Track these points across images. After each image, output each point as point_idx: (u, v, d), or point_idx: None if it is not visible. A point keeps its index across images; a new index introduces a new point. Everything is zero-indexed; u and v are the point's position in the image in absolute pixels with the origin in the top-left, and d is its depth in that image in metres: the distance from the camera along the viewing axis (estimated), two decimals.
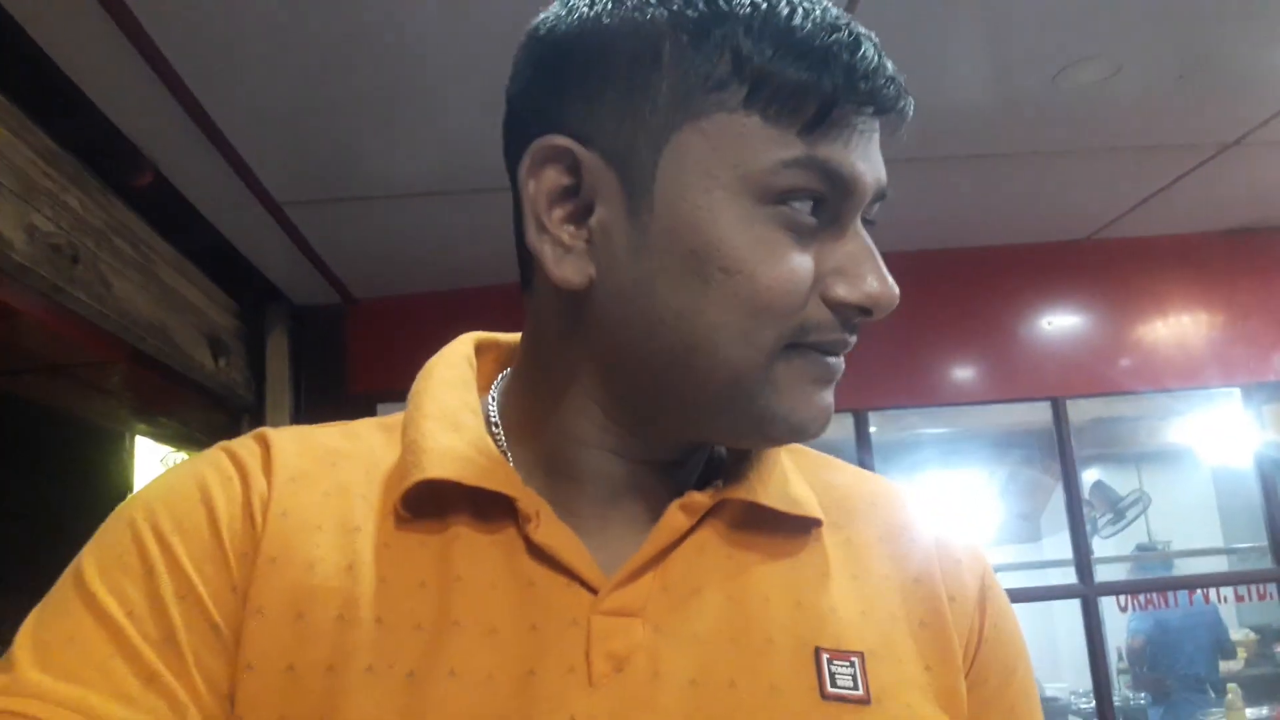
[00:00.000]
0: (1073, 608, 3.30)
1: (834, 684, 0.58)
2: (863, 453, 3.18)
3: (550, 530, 0.58)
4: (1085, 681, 3.48)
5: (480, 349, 0.71)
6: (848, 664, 0.59)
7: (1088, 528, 3.55)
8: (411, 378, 0.69)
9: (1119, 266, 3.37)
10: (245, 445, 0.63)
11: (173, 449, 4.09)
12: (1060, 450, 3.28)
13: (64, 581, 0.58)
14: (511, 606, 0.57)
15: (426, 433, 0.62)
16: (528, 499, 0.59)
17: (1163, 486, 5.05)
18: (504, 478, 0.60)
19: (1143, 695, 4.61)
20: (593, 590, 0.58)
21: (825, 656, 0.58)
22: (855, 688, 0.58)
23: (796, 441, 0.60)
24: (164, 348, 2.69)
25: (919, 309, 3.34)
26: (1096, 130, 2.55)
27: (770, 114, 0.55)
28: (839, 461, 0.73)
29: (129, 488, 4.43)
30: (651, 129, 0.56)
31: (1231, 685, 3.99)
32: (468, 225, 2.76)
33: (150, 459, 4.42)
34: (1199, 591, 3.77)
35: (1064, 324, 3.41)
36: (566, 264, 0.58)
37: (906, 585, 0.64)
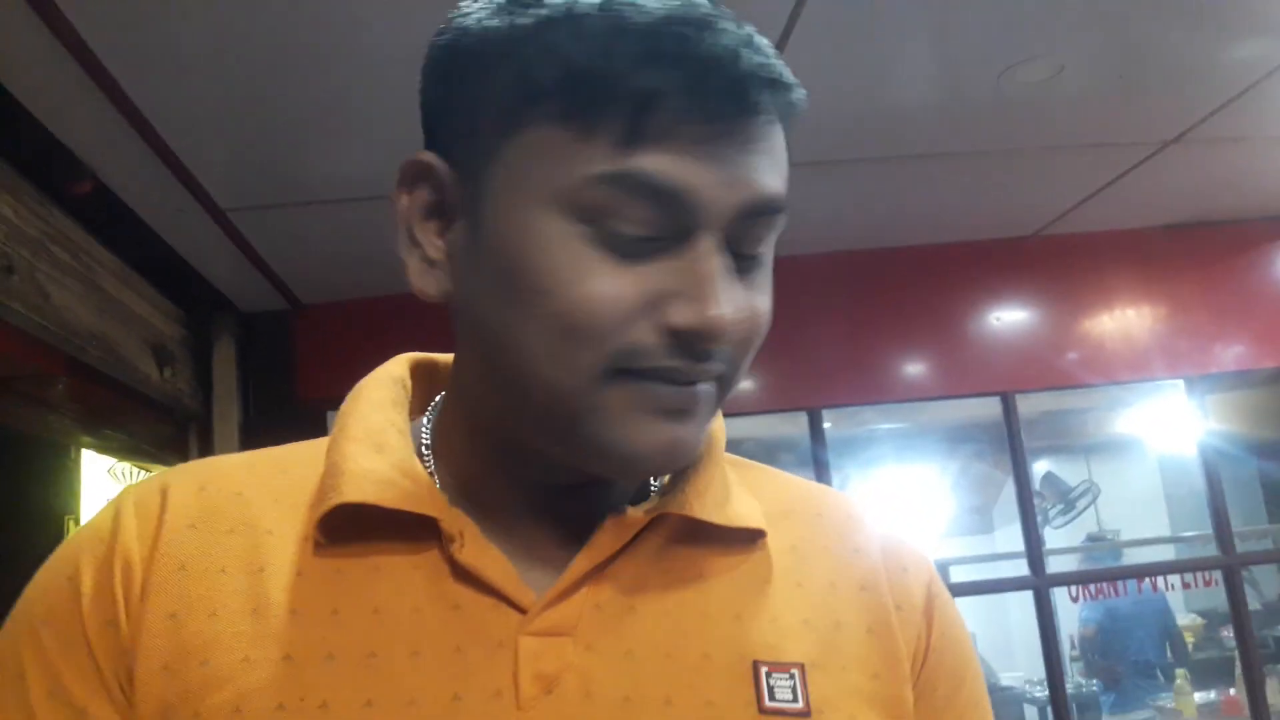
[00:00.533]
0: (1026, 598, 3.34)
1: (772, 697, 0.57)
2: (817, 449, 3.20)
3: (475, 551, 0.57)
4: (1039, 670, 3.53)
5: (417, 370, 0.70)
6: (787, 676, 0.58)
7: (1039, 518, 3.60)
8: None
9: (1064, 262, 3.41)
10: (142, 497, 0.61)
11: (119, 460, 4.02)
12: (1010, 444, 3.32)
13: None
14: (435, 630, 0.56)
15: (348, 455, 0.60)
16: (451, 520, 0.58)
17: (1111, 476, 5.14)
18: (427, 499, 0.58)
19: (1094, 682, 4.69)
20: (521, 610, 0.57)
21: (764, 670, 0.58)
22: (795, 700, 0.57)
23: (634, 476, 0.56)
24: (107, 359, 2.63)
25: (870, 307, 3.37)
26: (1040, 129, 2.58)
27: (583, 125, 0.51)
28: (786, 474, 0.72)
29: (75, 501, 4.35)
30: (485, 143, 0.55)
31: (1180, 670, 4.07)
32: None
33: (97, 472, 4.33)
34: (1147, 580, 3.83)
35: (1012, 319, 3.45)
36: (429, 277, 0.58)
37: (852, 593, 0.63)
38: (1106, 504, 5.04)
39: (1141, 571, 3.81)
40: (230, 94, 2.05)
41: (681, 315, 0.51)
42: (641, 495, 0.63)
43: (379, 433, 0.62)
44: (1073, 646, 4.92)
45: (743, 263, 0.54)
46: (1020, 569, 3.31)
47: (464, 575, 0.57)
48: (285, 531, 0.59)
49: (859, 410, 3.53)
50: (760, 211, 0.53)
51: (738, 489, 0.65)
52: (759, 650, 0.59)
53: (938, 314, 3.40)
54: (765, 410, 3.24)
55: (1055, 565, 3.48)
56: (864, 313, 3.36)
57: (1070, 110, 2.47)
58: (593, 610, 0.57)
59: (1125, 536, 4.93)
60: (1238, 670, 3.49)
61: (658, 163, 0.50)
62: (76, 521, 4.51)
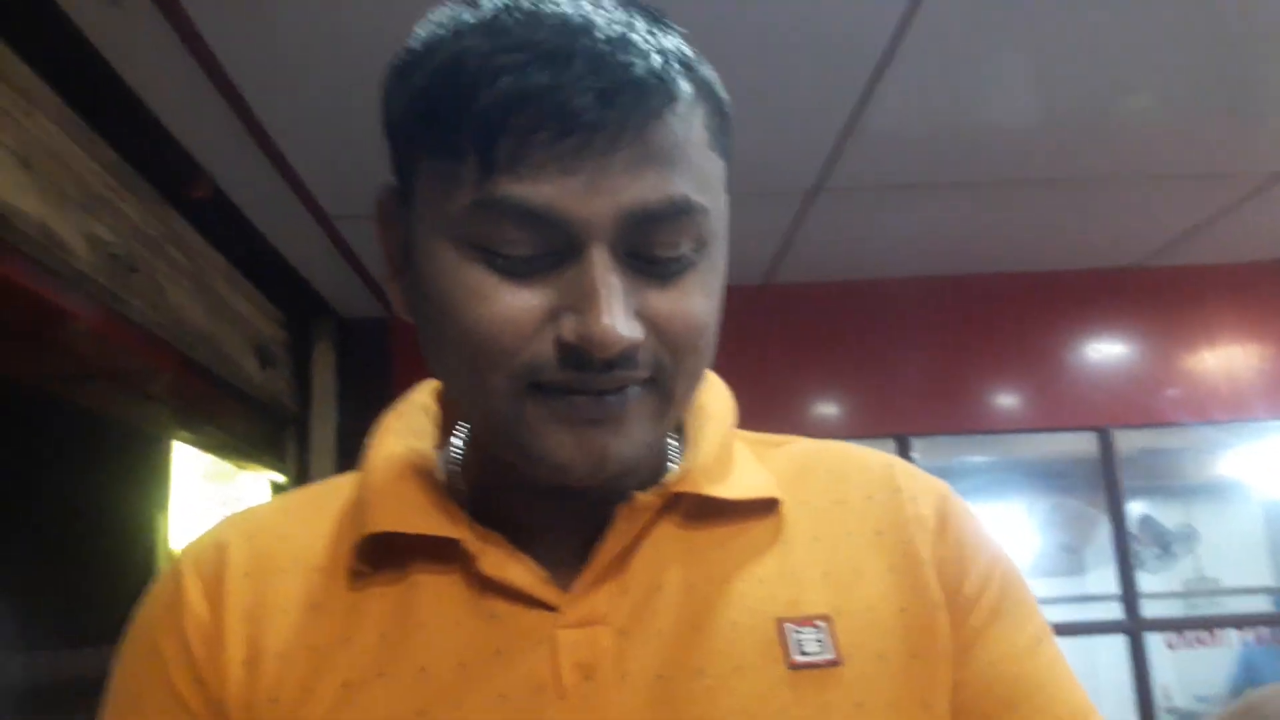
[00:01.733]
0: (1114, 646, 3.24)
1: (801, 651, 0.58)
2: None
3: (497, 562, 0.60)
4: None
5: (443, 394, 0.74)
6: (813, 629, 0.59)
7: (1133, 562, 3.49)
8: None
9: (1167, 295, 3.33)
10: (199, 556, 0.66)
11: (216, 457, 4.15)
12: (1107, 482, 3.24)
13: None
14: (476, 639, 0.59)
15: (372, 487, 0.64)
16: (472, 537, 0.60)
17: (1211, 521, 4.95)
18: (447, 520, 0.61)
19: None
20: (552, 609, 0.59)
21: (788, 626, 0.59)
22: (823, 651, 0.59)
23: (575, 484, 0.57)
24: (213, 356, 2.74)
25: (963, 334, 3.32)
26: (1145, 157, 2.53)
27: (451, 157, 0.53)
28: (795, 438, 0.73)
29: (166, 493, 4.50)
30: (404, 177, 0.59)
31: None
32: None
33: (187, 470, 4.48)
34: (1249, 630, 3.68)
35: (1111, 353, 3.37)
36: (403, 305, 0.62)
37: (869, 539, 0.64)
38: (1206, 550, 4.86)
39: (1243, 621, 3.67)
40: (344, 102, 2.12)
41: (569, 329, 0.53)
42: (655, 481, 0.65)
43: (400, 461, 0.66)
44: (1167, 698, 4.74)
45: (659, 267, 0.55)
46: (1112, 612, 3.22)
47: (493, 587, 0.60)
48: (328, 566, 0.63)
49: (948, 440, 3.48)
50: (649, 217, 0.53)
51: (749, 462, 0.67)
52: (782, 608, 0.60)
53: (1034, 344, 3.34)
54: (851, 436, 3.21)
55: (1149, 611, 3.37)
56: (957, 340, 3.32)
57: (1177, 139, 2.42)
58: (620, 596, 0.60)
59: (1225, 585, 4.74)
60: None
61: (516, 187, 0.51)
62: (167, 518, 4.67)
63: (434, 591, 0.61)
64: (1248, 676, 4.14)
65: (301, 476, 3.42)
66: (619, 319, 0.52)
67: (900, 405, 3.22)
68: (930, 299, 3.31)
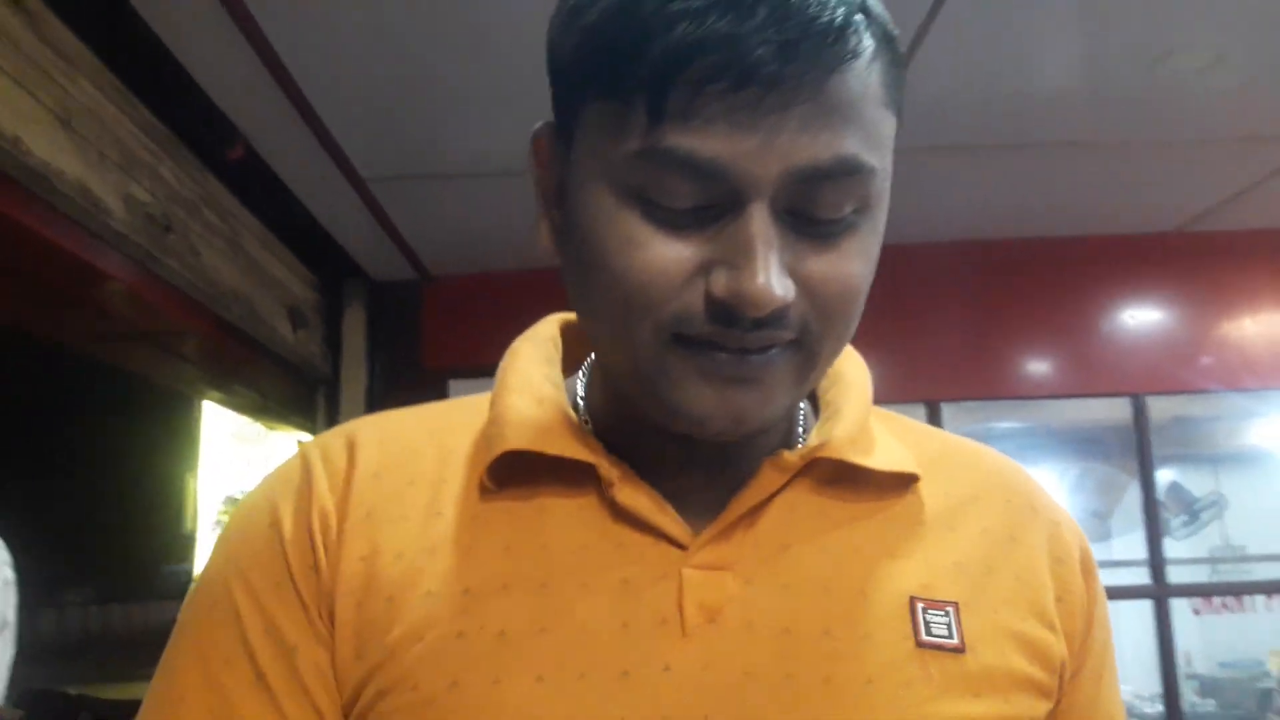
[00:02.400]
0: (1140, 612, 3.24)
1: (929, 632, 0.58)
2: None
3: (632, 492, 0.60)
4: (1150, 685, 3.42)
5: (567, 331, 0.73)
6: (942, 613, 0.59)
7: (1161, 529, 3.48)
8: (485, 355, 0.71)
9: (1206, 261, 3.29)
10: (329, 450, 0.65)
11: (247, 416, 4.18)
12: (1139, 448, 3.23)
13: (173, 640, 0.63)
14: (602, 564, 0.59)
15: (510, 406, 0.64)
16: (607, 465, 0.60)
17: (1240, 490, 4.93)
18: (584, 446, 0.61)
19: (1210, 701, 4.51)
20: (681, 546, 0.59)
21: (920, 605, 0.59)
22: (950, 636, 0.59)
23: (708, 437, 0.56)
24: (246, 317, 2.74)
25: (997, 299, 3.30)
26: (1192, 121, 2.49)
27: (621, 101, 0.52)
28: (929, 427, 0.73)
29: (196, 453, 4.53)
30: (568, 118, 0.57)
31: None
32: None
33: (217, 426, 4.50)
34: (1276, 597, 3.67)
35: (1148, 319, 3.34)
36: (553, 245, 0.61)
37: (1003, 542, 0.64)
38: (1233, 518, 4.84)
39: (1270, 588, 3.66)
40: (379, 66, 2.11)
41: (720, 284, 0.52)
42: (791, 441, 0.65)
43: (537, 386, 0.65)
44: (1188, 663, 4.75)
45: (820, 227, 0.53)
46: (1137, 578, 3.21)
47: (623, 515, 0.60)
48: (457, 479, 0.63)
49: (979, 406, 3.46)
50: (817, 176, 0.51)
51: (887, 437, 0.66)
52: (914, 587, 0.60)
53: (1069, 309, 3.31)
54: (882, 401, 3.20)
55: (1175, 577, 3.37)
56: (991, 304, 3.29)
57: (1224, 103, 2.38)
58: (750, 547, 0.60)
59: (1252, 552, 4.72)
60: None
61: (685, 137, 0.50)
62: (196, 478, 4.71)
63: (563, 514, 0.61)
64: None
65: None
66: (774, 278, 0.51)
67: (932, 370, 3.20)
68: (964, 263, 3.29)
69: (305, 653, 0.59)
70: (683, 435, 0.58)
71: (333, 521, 0.61)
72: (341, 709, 0.59)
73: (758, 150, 0.50)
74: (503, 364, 0.69)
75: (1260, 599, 3.73)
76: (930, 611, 0.59)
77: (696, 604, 0.57)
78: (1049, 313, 3.30)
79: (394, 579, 0.59)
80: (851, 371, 0.69)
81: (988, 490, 0.67)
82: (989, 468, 0.69)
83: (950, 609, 0.60)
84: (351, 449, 0.65)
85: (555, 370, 0.68)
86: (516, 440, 0.61)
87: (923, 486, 0.65)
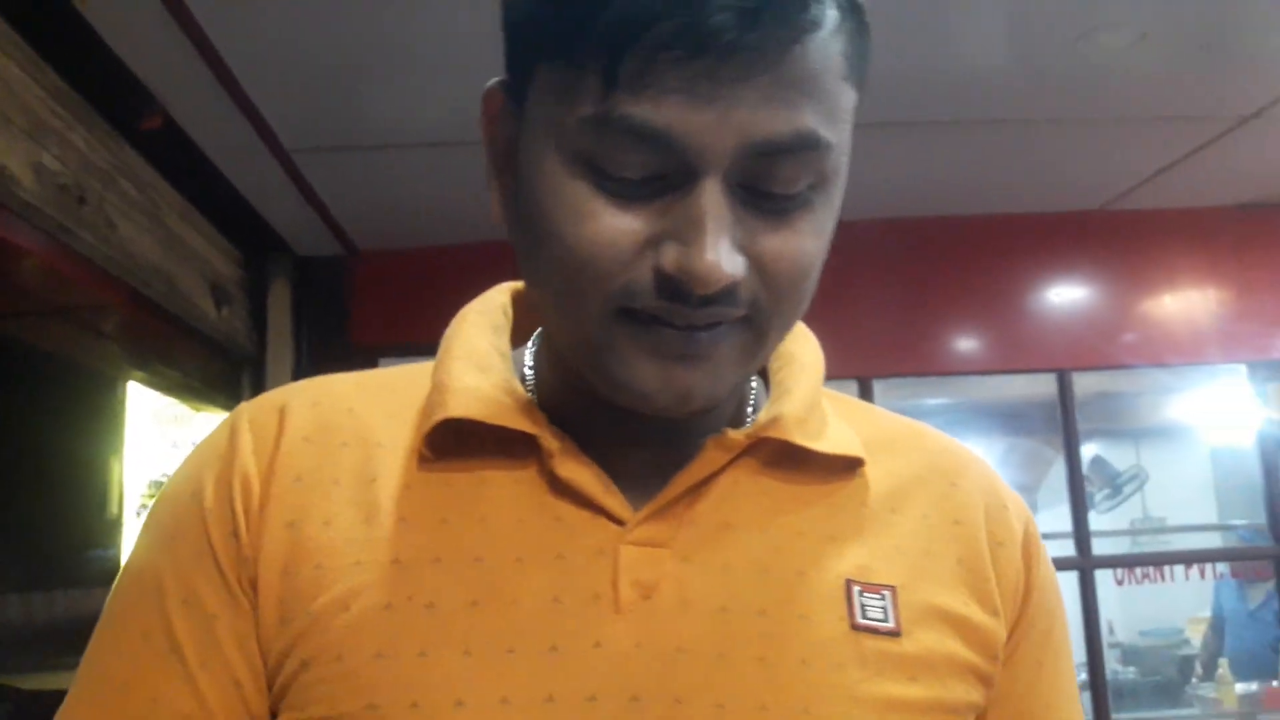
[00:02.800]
0: (1066, 581, 3.31)
1: (864, 615, 0.58)
2: None
3: (573, 466, 0.59)
4: (1075, 655, 3.49)
5: (518, 300, 0.72)
6: (879, 596, 0.59)
7: (1085, 502, 3.56)
8: (416, 331, 0.69)
9: (1130, 239, 3.35)
10: (258, 414, 0.64)
11: (170, 396, 4.08)
12: (1064, 423, 3.29)
13: (101, 618, 0.63)
14: (538, 538, 0.58)
15: (453, 373, 0.62)
16: (549, 437, 0.59)
17: (1161, 463, 5.07)
18: (527, 417, 0.60)
19: (1131, 669, 4.65)
20: (619, 522, 0.58)
21: (856, 588, 0.59)
22: (885, 619, 0.59)
23: (655, 413, 0.55)
24: (167, 293, 2.67)
25: (926, 277, 3.33)
26: (1115, 99, 2.52)
27: (574, 66, 0.50)
28: (882, 409, 0.73)
29: (120, 434, 4.42)
30: (519, 79, 0.56)
31: (1222, 659, 4.02)
32: (477, 178, 2.73)
33: (141, 407, 4.40)
34: (1195, 567, 3.79)
35: (1073, 296, 3.40)
36: (501, 209, 0.60)
37: (946, 526, 0.64)
38: (1154, 491, 4.98)
39: (1190, 558, 3.77)
40: (303, 33, 2.05)
41: (669, 259, 0.51)
42: (740, 419, 0.64)
43: (482, 355, 0.64)
44: (1110, 633, 4.88)
45: (774, 202, 0.52)
46: (1063, 550, 3.28)
47: (563, 489, 0.59)
48: (395, 445, 0.62)
49: (908, 383, 3.50)
50: (773, 150, 0.50)
51: (836, 420, 0.66)
52: (852, 570, 0.60)
53: (996, 287, 3.36)
54: None
55: (1098, 549, 3.45)
56: (920, 282, 3.33)
57: (1148, 80, 2.42)
58: (690, 525, 0.59)
59: (1172, 524, 4.87)
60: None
61: (638, 106, 0.49)
62: (121, 461, 4.60)
63: (501, 485, 0.60)
64: (1218, 611, 4.26)
65: None
66: (723, 254, 0.50)
67: (862, 348, 3.23)
68: (892, 241, 3.31)
69: (225, 621, 0.58)
70: (628, 410, 0.57)
71: (255, 487, 0.60)
72: (265, 678, 0.58)
73: (714, 122, 0.49)
74: (448, 331, 0.68)
75: (1179, 569, 3.85)
76: (866, 594, 0.59)
77: (631, 580, 0.57)
78: (976, 290, 3.35)
79: (322, 546, 0.58)
80: (804, 352, 0.68)
81: (933, 474, 0.66)
82: (935, 450, 0.69)
83: (887, 592, 0.59)
84: (282, 413, 0.63)
85: (503, 339, 0.67)
86: (457, 408, 0.60)
87: (868, 469, 0.64)
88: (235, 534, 0.59)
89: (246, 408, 0.65)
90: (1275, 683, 3.75)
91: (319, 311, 3.36)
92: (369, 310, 3.34)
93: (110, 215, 2.33)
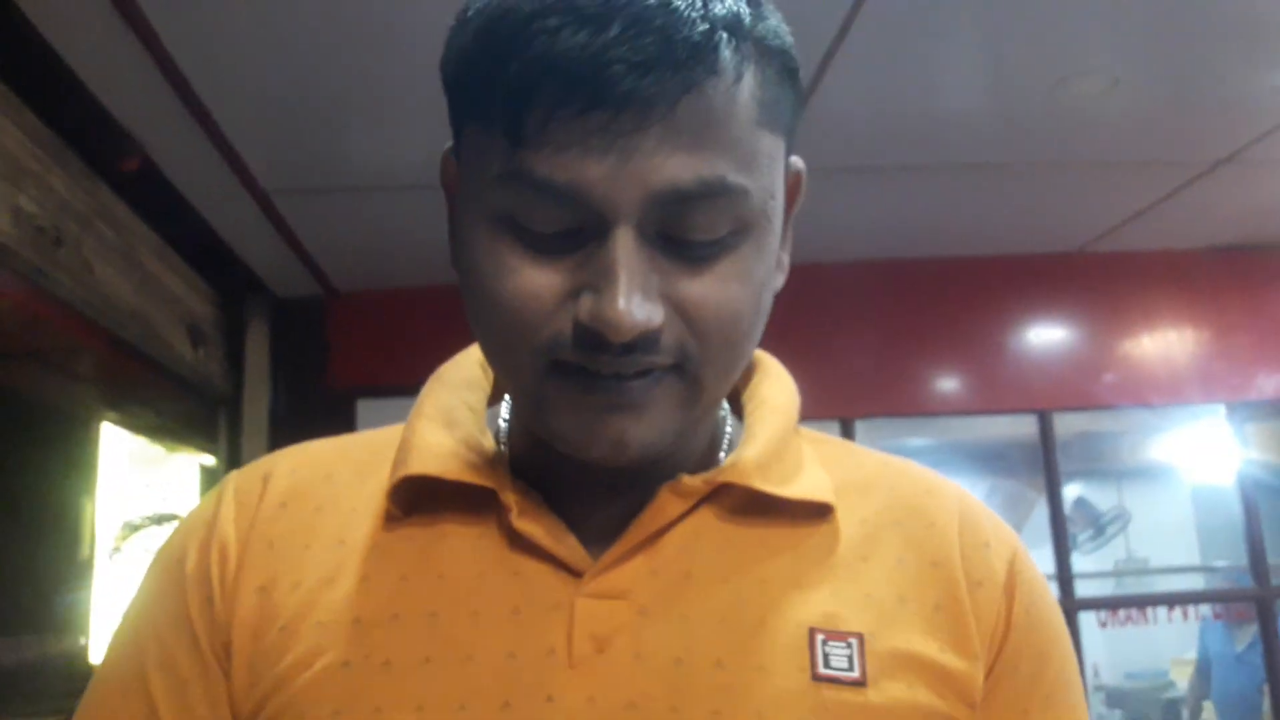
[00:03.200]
0: None
1: (827, 664, 0.57)
2: None
3: (531, 519, 0.59)
4: None
5: None
6: (844, 645, 0.58)
7: (1068, 543, 3.55)
8: (394, 374, 0.70)
9: (1108, 281, 3.38)
10: (243, 481, 0.66)
11: (146, 438, 4.04)
12: (1045, 463, 3.29)
13: (103, 656, 0.65)
14: (495, 593, 0.58)
15: (418, 431, 0.63)
16: (509, 491, 0.59)
17: (1143, 504, 5.07)
18: (488, 472, 0.60)
19: (1116, 712, 4.62)
20: (577, 575, 0.58)
21: (820, 637, 0.58)
22: (850, 669, 0.57)
23: (590, 461, 0.55)
24: (143, 335, 2.65)
25: (907, 318, 3.34)
26: (1091, 143, 2.55)
27: (485, 124, 0.52)
28: (866, 449, 0.71)
29: (93, 476, 4.37)
30: (456, 140, 0.58)
31: (1207, 702, 4.00)
32: None
33: (115, 453, 4.35)
34: (1178, 608, 3.78)
35: (1052, 337, 3.41)
36: (453, 263, 0.60)
37: (923, 569, 0.62)
38: (1136, 532, 4.97)
39: (1173, 599, 3.75)
40: (281, 74, 2.06)
41: (584, 309, 0.51)
42: (710, 464, 0.63)
43: (449, 410, 0.65)
44: (1095, 675, 4.86)
45: (692, 249, 0.52)
46: None
47: (522, 543, 0.59)
48: (365, 507, 0.63)
49: (889, 424, 3.50)
50: (680, 198, 0.50)
51: (810, 463, 0.64)
52: (817, 619, 0.58)
53: (976, 328, 3.37)
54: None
55: (1082, 590, 3.44)
56: (901, 323, 3.34)
57: (1122, 126, 2.45)
58: (648, 575, 0.58)
59: (1154, 565, 4.86)
60: (1265, 705, 3.42)
61: (540, 162, 0.50)
62: (94, 504, 4.54)
63: (461, 541, 0.60)
64: (1203, 653, 4.23)
65: (233, 459, 3.33)
66: (635, 302, 0.50)
67: (844, 388, 3.23)
68: (874, 283, 3.33)
69: (198, 687, 0.59)
70: (588, 472, 0.57)
71: (232, 554, 0.62)
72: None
73: (613, 174, 0.49)
74: (423, 390, 0.68)
75: (1163, 610, 3.83)
76: (831, 643, 0.57)
77: (587, 634, 0.56)
78: (957, 331, 3.36)
79: (289, 608, 0.59)
80: (775, 395, 0.67)
81: (909, 515, 0.64)
82: (913, 490, 0.66)
83: (854, 640, 0.58)
84: (266, 479, 0.65)
85: (476, 395, 0.68)
86: (419, 465, 0.61)
87: (840, 515, 0.63)
88: (210, 600, 0.61)
89: (234, 475, 0.67)
90: None
91: (297, 352, 3.34)
92: (347, 351, 3.32)
93: (87, 257, 2.31)
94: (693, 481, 0.59)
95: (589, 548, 0.59)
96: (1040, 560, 3.41)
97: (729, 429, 0.66)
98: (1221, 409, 3.40)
